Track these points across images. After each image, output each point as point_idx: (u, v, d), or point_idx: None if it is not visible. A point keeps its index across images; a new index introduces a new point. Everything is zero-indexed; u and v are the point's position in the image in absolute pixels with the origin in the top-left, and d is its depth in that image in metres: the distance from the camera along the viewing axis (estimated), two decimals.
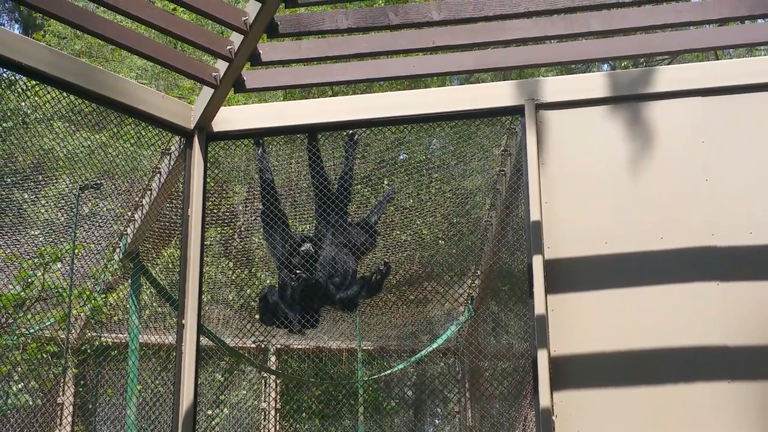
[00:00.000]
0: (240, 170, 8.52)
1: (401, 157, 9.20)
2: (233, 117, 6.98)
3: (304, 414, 12.49)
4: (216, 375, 11.78)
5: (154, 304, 10.16)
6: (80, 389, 10.66)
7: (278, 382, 12.03)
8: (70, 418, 10.32)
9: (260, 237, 8.81)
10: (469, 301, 10.23)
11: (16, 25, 26.63)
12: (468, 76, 17.22)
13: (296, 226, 8.50)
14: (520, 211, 7.09)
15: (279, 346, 11.97)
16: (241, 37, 5.82)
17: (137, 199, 8.50)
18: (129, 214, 8.78)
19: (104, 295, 9.82)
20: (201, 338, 6.60)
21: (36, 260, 9.00)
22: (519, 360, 8.21)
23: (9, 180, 8.09)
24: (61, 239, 9.06)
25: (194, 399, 6.25)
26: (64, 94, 6.17)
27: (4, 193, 8.21)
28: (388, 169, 8.85)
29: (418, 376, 13.09)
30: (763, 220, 6.07)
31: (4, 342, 9.47)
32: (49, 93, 6.19)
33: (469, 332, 10.58)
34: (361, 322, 11.41)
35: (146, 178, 8.14)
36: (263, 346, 11.74)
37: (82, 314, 10.08)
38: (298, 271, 7.51)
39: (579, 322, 6.06)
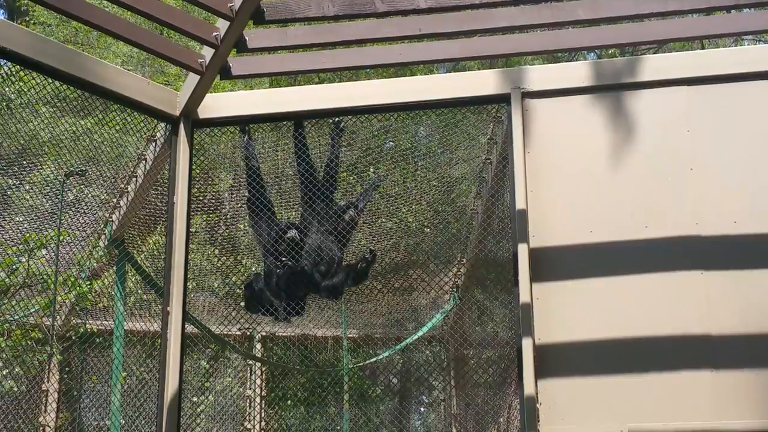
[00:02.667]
0: (226, 157, 8.50)
1: (387, 144, 9.20)
2: (219, 104, 6.96)
3: (289, 401, 12.51)
4: (201, 362, 11.79)
5: (139, 291, 10.14)
6: (65, 376, 10.65)
7: (263, 369, 12.03)
8: (54, 405, 10.31)
9: (246, 224, 8.81)
10: (455, 290, 10.25)
11: (1, 11, 26.48)
12: (454, 64, 17.22)
13: (282, 213, 8.50)
14: (505, 199, 7.11)
15: (264, 334, 11.98)
16: (227, 23, 5.80)
17: (122, 185, 8.47)
18: (114, 200, 8.76)
19: (89, 282, 9.79)
20: (186, 325, 6.60)
21: (21, 247, 8.97)
22: (504, 348, 8.24)
23: None
24: (46, 226, 9.03)
25: (179, 386, 6.25)
26: (49, 79, 6.14)
27: None
28: (374, 157, 8.85)
29: (404, 364, 13.13)
30: (747, 210, 6.09)
31: None
32: (33, 78, 6.16)
33: (455, 320, 10.60)
34: (347, 310, 11.42)
35: (131, 164, 8.12)
36: (248, 333, 11.74)
37: (67, 301, 10.06)
38: (283, 259, 7.51)
39: (564, 311, 6.08)
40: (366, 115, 7.30)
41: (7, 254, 8.95)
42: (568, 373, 5.98)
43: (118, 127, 7.22)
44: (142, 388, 9.55)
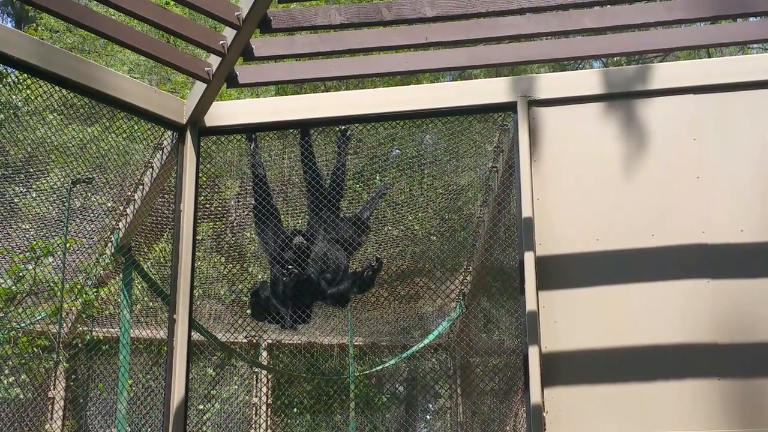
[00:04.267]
0: (232, 165, 8.51)
1: (393, 152, 9.21)
2: (226, 112, 6.98)
3: (295, 409, 12.50)
4: (207, 370, 11.78)
5: (145, 298, 10.15)
6: (71, 383, 10.65)
7: (269, 377, 12.03)
8: (61, 413, 10.31)
9: (252, 232, 8.81)
10: (461, 298, 10.24)
11: (9, 19, 26.57)
12: (460, 73, 17.23)
13: (288, 221, 8.50)
14: (511, 207, 7.10)
15: (270, 342, 11.98)
16: (234, 32, 5.81)
17: (129, 193, 8.48)
18: (121, 208, 8.77)
19: (96, 290, 9.80)
20: (192, 333, 6.60)
21: (27, 254, 8.98)
22: (510, 356, 8.22)
23: (0, 173, 8.07)
24: (53, 233, 9.04)
25: (185, 394, 6.25)
26: (56, 87, 6.16)
27: None
28: (380, 165, 8.85)
29: (410, 371, 13.12)
30: (753, 218, 6.08)
31: None
32: (41, 87, 6.18)
33: (461, 328, 10.60)
34: (353, 318, 11.42)
35: (138, 172, 8.13)
36: (255, 341, 11.75)
37: (73, 308, 10.07)
38: (290, 267, 7.51)
39: (570, 319, 6.07)
40: (372, 123, 7.30)
41: (14, 262, 8.96)
42: (574, 382, 5.98)
43: (124, 135, 7.23)
44: (148, 396, 9.54)
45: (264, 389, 11.89)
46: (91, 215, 9.03)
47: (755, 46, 16.14)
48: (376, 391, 13.26)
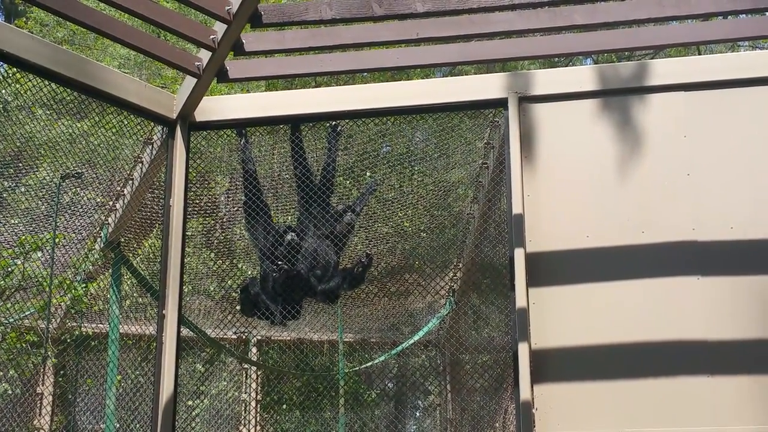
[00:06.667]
0: (222, 161, 8.49)
1: (384, 149, 9.20)
2: (216, 107, 6.96)
3: (284, 405, 12.50)
4: (196, 366, 11.76)
5: (134, 294, 10.12)
6: (60, 379, 10.63)
7: (259, 373, 12.02)
8: (49, 408, 10.29)
9: (242, 228, 8.80)
10: (451, 294, 10.24)
11: None
12: (451, 69, 17.22)
13: (278, 217, 8.48)
14: (502, 204, 7.10)
15: (260, 338, 11.97)
16: (225, 26, 5.80)
17: (119, 188, 8.46)
18: (110, 203, 8.74)
19: (85, 285, 9.77)
20: (182, 329, 6.58)
21: (16, 249, 8.95)
22: (500, 353, 8.23)
23: None
24: (42, 228, 9.01)
25: (174, 390, 6.23)
26: (46, 82, 6.12)
27: None
28: (370, 161, 8.84)
29: (399, 368, 13.13)
30: (743, 215, 6.09)
31: None
32: (30, 81, 6.14)
33: (451, 325, 10.60)
34: (343, 314, 11.42)
35: (128, 167, 8.11)
36: (244, 337, 11.73)
37: (62, 304, 10.04)
38: (280, 263, 7.50)
39: (560, 316, 6.07)
40: (363, 119, 7.29)
41: (3, 257, 8.93)
42: (564, 378, 5.97)
43: (114, 130, 7.20)
44: (137, 392, 9.53)
45: (253, 385, 11.88)
46: (81, 210, 9.00)
47: (744, 43, 16.19)
48: (365, 387, 13.26)
